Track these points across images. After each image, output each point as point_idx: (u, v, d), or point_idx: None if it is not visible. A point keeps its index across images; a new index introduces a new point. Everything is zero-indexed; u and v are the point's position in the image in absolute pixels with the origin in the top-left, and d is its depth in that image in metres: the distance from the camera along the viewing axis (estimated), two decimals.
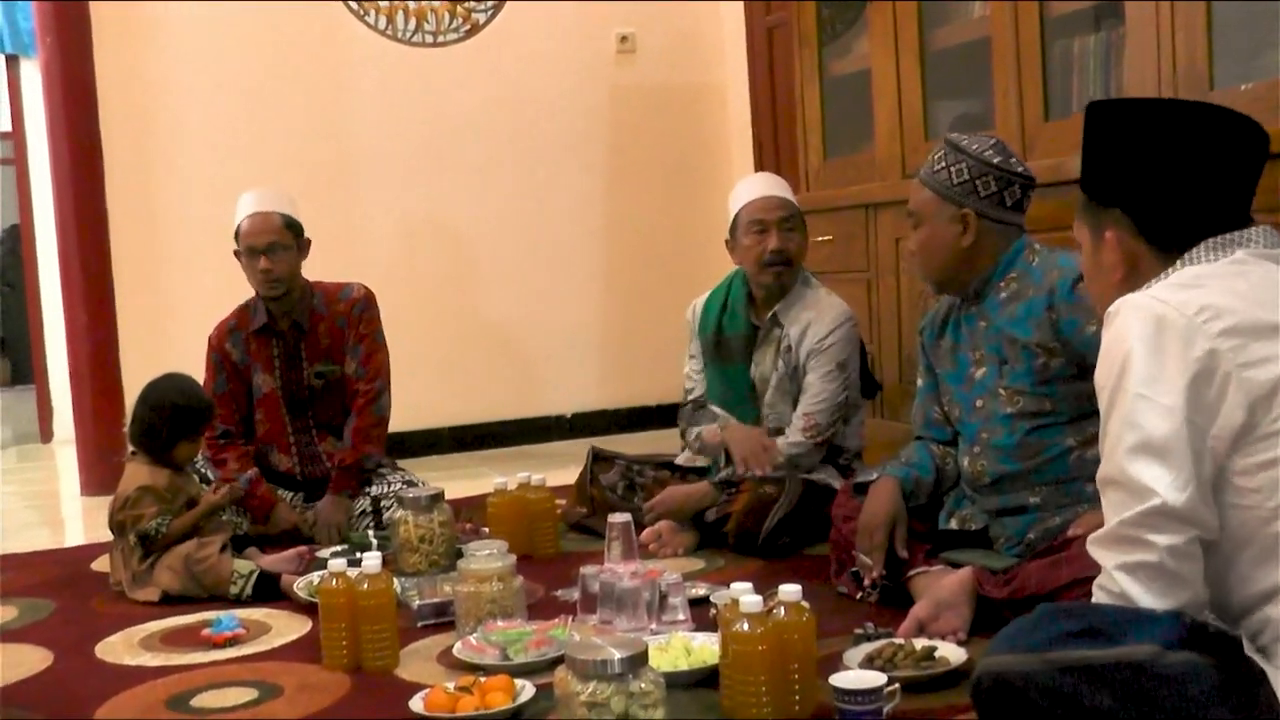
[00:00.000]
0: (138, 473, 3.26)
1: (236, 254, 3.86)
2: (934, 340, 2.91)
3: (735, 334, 3.59)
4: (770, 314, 3.52)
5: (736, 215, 3.55)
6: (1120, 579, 1.62)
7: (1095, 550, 1.68)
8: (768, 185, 3.60)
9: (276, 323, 3.89)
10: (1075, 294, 2.54)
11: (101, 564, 3.58)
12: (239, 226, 3.83)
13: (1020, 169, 2.71)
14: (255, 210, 3.83)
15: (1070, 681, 1.55)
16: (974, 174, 2.68)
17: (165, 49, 5.25)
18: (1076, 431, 2.61)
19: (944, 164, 2.71)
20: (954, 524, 2.81)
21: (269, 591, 3.10)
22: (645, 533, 3.34)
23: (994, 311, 2.71)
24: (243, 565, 3.16)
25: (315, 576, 3.06)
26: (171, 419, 3.28)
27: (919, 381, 2.99)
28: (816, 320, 3.44)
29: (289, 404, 3.92)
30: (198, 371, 3.74)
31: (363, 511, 3.78)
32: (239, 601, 3.09)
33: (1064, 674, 1.55)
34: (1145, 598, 1.60)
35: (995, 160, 2.69)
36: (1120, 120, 1.84)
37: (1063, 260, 2.63)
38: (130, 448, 3.37)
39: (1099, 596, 1.67)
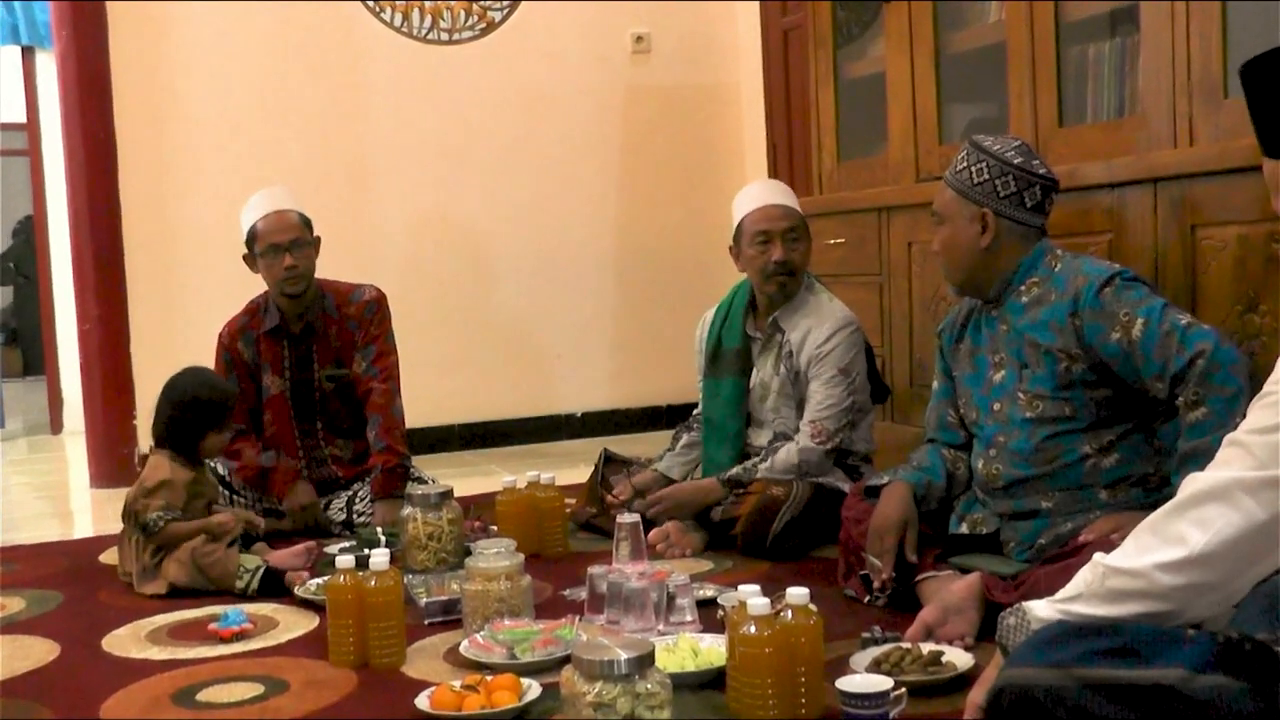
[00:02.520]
0: (161, 466, 3.25)
1: (245, 258, 3.85)
2: (953, 343, 2.91)
3: (731, 348, 3.59)
4: (771, 319, 3.51)
5: (740, 224, 3.52)
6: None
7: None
8: (771, 194, 3.56)
9: (289, 325, 3.89)
10: (1100, 300, 2.53)
11: (110, 556, 3.59)
12: (254, 227, 3.80)
13: (1042, 171, 2.71)
14: (271, 209, 3.82)
15: (1097, 700, 1.51)
16: (994, 174, 2.68)
17: (180, 43, 5.26)
18: (1093, 438, 2.60)
19: (966, 164, 2.72)
20: (964, 527, 2.80)
21: (275, 587, 3.10)
22: (653, 533, 3.33)
23: (1015, 315, 2.70)
24: (249, 560, 3.16)
25: (314, 584, 3.04)
26: (198, 413, 3.29)
27: (934, 384, 2.99)
28: (817, 326, 3.43)
29: (297, 406, 3.91)
30: (207, 364, 3.74)
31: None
32: (245, 596, 3.09)
33: (1091, 692, 1.52)
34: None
35: (1016, 161, 2.68)
36: None
37: (1087, 266, 2.62)
38: (151, 441, 3.37)
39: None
